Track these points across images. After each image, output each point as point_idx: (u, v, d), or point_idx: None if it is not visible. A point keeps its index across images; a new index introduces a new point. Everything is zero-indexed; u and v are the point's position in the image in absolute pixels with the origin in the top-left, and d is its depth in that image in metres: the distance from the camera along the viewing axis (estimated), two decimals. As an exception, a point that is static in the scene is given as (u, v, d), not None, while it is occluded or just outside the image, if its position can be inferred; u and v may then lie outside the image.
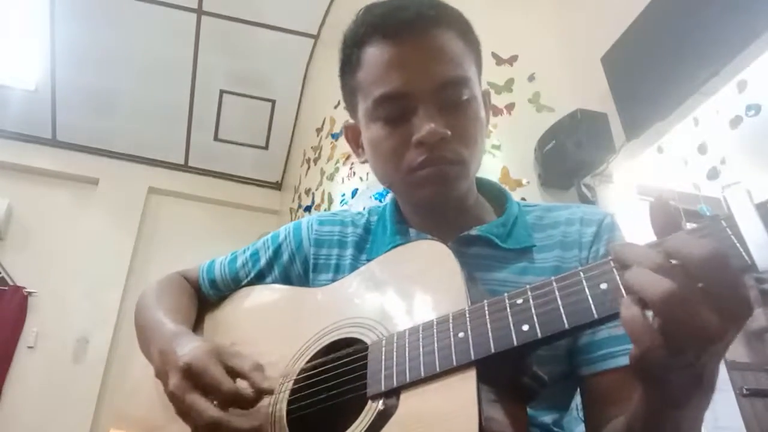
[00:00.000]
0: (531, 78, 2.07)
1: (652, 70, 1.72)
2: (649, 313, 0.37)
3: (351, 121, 0.75)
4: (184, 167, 4.32)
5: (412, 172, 0.63)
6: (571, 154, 1.80)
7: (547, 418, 0.60)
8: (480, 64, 0.70)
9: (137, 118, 3.98)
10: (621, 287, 0.40)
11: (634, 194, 2.06)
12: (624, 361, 0.58)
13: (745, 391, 2.58)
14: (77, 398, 3.35)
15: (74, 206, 3.95)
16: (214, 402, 0.53)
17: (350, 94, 0.71)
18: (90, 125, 3.98)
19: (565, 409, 0.64)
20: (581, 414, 0.64)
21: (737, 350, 2.87)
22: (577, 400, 0.64)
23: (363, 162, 0.74)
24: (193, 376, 0.54)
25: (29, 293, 3.59)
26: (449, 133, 0.61)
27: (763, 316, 2.95)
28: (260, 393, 0.55)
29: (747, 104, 1.90)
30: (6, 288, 3.56)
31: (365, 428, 0.49)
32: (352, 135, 0.75)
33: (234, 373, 0.55)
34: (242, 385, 0.55)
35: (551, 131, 1.90)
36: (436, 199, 0.65)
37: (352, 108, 0.72)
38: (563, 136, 1.83)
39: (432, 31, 0.63)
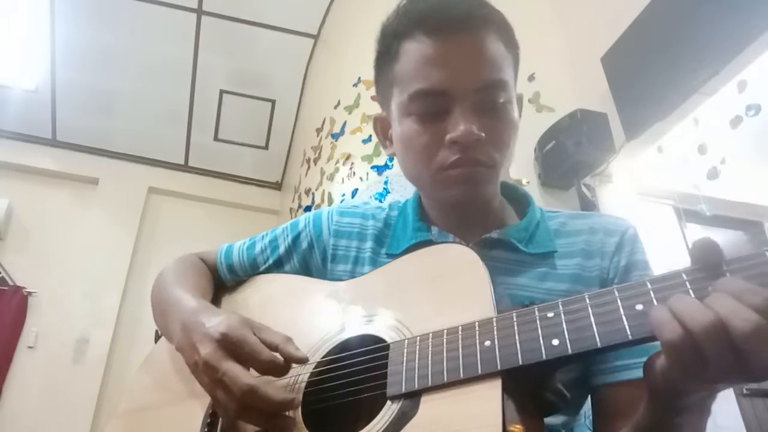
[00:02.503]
0: (531, 78, 2.07)
1: (652, 70, 1.72)
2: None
3: (382, 112, 0.74)
4: (184, 167, 4.32)
5: (442, 171, 0.63)
6: (571, 154, 1.79)
7: (557, 420, 0.60)
8: (517, 69, 0.70)
9: (137, 118, 3.99)
10: None
11: (634, 194, 2.06)
12: (638, 374, 0.57)
13: (745, 391, 2.58)
14: (77, 398, 3.35)
15: (74, 206, 3.95)
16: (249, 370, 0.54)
17: (385, 85, 0.70)
18: (90, 125, 3.99)
19: (575, 414, 0.63)
20: (588, 422, 0.64)
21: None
22: (586, 407, 0.64)
23: (390, 155, 0.74)
24: (229, 345, 0.55)
25: (29, 293, 3.59)
26: (484, 135, 0.61)
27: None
28: (291, 361, 0.56)
29: (747, 104, 1.90)
30: (6, 288, 3.56)
31: (383, 428, 0.48)
32: (382, 127, 0.74)
33: (266, 345, 0.56)
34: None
35: (551, 131, 1.89)
36: (463, 200, 0.65)
37: (385, 100, 0.71)
38: (563, 136, 1.83)
39: (477, 31, 0.62)
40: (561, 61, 2.15)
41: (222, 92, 3.88)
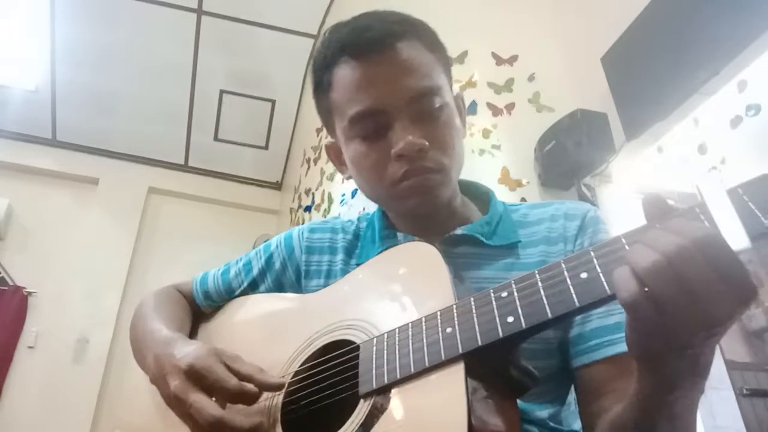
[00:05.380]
0: (531, 78, 2.07)
1: (652, 70, 1.72)
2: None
3: (331, 139, 0.76)
4: (184, 167, 4.32)
5: (395, 185, 0.65)
6: (571, 154, 1.79)
7: (543, 413, 0.61)
8: (449, 70, 0.72)
9: (137, 118, 3.99)
10: (601, 275, 0.41)
11: (634, 194, 2.06)
12: (612, 350, 0.58)
13: (745, 391, 2.58)
14: (77, 398, 3.35)
15: (74, 206, 3.95)
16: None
17: (326, 114, 0.72)
18: (90, 125, 3.99)
19: (561, 404, 0.64)
20: (578, 408, 0.64)
21: (737, 350, 2.87)
22: (574, 394, 0.65)
23: (347, 178, 0.75)
24: (196, 376, 0.55)
25: (29, 293, 3.59)
26: (426, 143, 0.62)
27: (763, 315, 2.95)
28: (266, 390, 0.56)
29: (747, 104, 1.89)
30: (6, 288, 3.56)
31: (357, 426, 0.49)
32: (335, 153, 0.76)
33: (235, 375, 0.56)
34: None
35: (551, 131, 1.89)
36: (421, 209, 0.67)
37: (330, 128, 0.74)
38: (563, 136, 1.83)
39: (397, 45, 0.64)
40: (561, 61, 2.15)
41: (222, 92, 3.88)
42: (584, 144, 1.78)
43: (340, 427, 0.51)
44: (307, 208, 3.21)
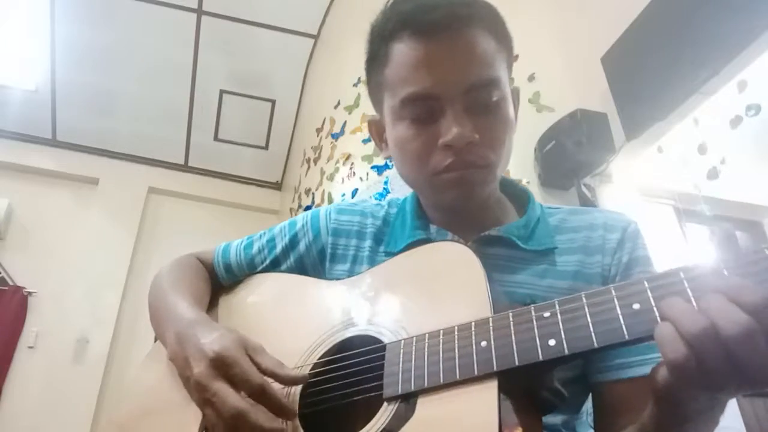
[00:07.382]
0: (531, 78, 2.07)
1: (652, 70, 1.72)
2: None
3: (375, 115, 0.73)
4: (184, 167, 4.32)
5: (437, 175, 0.62)
6: (571, 154, 1.79)
7: (557, 419, 0.60)
8: (511, 61, 0.68)
9: (137, 118, 3.99)
10: (654, 309, 0.39)
11: (634, 194, 2.06)
12: (638, 371, 0.57)
13: (745, 391, 2.58)
14: (77, 398, 3.35)
15: (74, 206, 3.95)
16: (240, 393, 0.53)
17: (376, 88, 0.69)
18: (90, 125, 3.99)
19: (575, 413, 0.63)
20: (590, 419, 0.64)
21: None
22: (588, 405, 0.64)
23: (386, 157, 0.72)
24: (221, 365, 0.53)
25: (29, 293, 3.59)
26: (477, 137, 0.60)
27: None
28: (288, 384, 0.55)
29: (747, 104, 1.89)
30: (6, 288, 3.56)
31: (380, 430, 0.48)
32: (376, 129, 0.73)
33: (259, 368, 0.55)
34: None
35: (551, 131, 1.89)
36: (459, 203, 0.64)
37: (377, 103, 0.71)
38: (563, 136, 1.83)
39: (463, 30, 0.60)
40: (561, 61, 2.15)
41: (222, 92, 3.88)
42: (584, 144, 1.77)
43: (360, 427, 0.49)
44: (307, 209, 3.22)
